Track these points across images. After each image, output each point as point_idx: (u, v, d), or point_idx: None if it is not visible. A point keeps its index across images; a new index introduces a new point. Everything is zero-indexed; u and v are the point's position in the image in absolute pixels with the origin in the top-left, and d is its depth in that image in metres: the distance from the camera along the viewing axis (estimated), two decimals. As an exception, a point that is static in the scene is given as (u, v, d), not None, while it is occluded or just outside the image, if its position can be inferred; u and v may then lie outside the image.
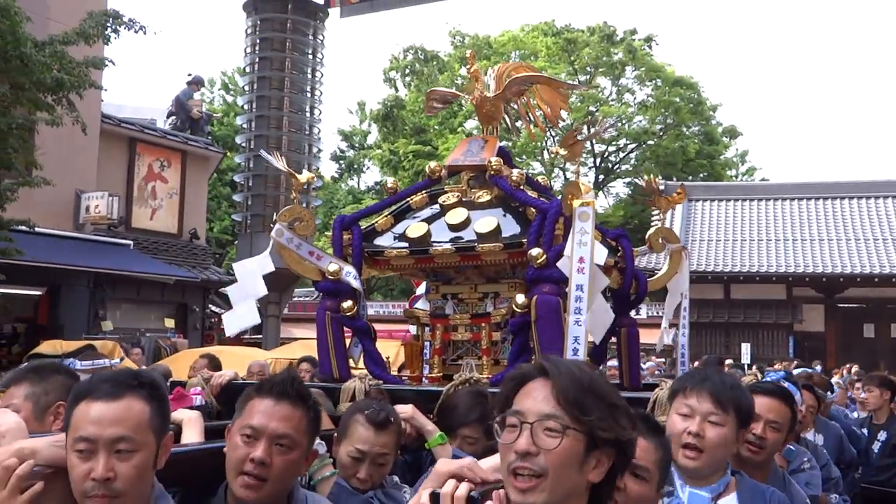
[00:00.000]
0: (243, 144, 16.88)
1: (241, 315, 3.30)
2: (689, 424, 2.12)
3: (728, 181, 31.50)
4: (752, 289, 22.50)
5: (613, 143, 31.31)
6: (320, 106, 16.78)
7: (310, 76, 16.42)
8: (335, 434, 2.35)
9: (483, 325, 3.36)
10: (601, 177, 32.81)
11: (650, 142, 31.37)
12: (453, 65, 32.25)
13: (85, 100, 9.32)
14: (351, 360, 3.38)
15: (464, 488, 1.35)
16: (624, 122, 30.72)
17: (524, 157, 29.65)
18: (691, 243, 22.42)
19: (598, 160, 32.49)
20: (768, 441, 2.54)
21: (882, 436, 5.66)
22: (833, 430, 4.79)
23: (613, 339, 3.58)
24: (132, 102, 19.41)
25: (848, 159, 70.14)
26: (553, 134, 25.09)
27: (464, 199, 3.53)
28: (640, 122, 31.55)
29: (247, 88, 16.96)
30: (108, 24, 9.09)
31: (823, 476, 3.41)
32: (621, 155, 32.77)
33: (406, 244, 3.37)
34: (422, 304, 3.68)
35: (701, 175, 31.52)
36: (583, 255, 2.91)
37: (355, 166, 40.21)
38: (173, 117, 17.52)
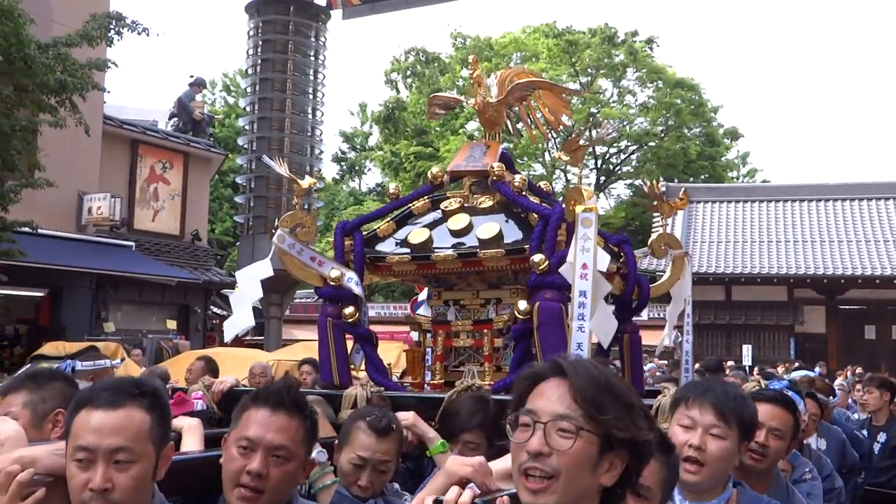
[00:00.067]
0: (245, 146, 16.89)
1: (237, 319, 3.32)
2: (691, 437, 2.07)
3: (729, 183, 31.51)
4: (754, 290, 22.50)
5: (614, 144, 31.28)
6: (322, 108, 16.80)
7: (312, 78, 16.42)
8: (336, 441, 2.34)
9: (485, 331, 3.36)
10: (602, 178, 32.80)
11: (651, 143, 31.35)
12: (454, 66, 32.26)
13: (88, 101, 9.34)
14: (352, 366, 3.39)
15: (467, 495, 1.33)
16: (625, 123, 30.70)
17: (525, 158, 29.64)
18: (692, 245, 22.43)
19: (599, 162, 32.49)
20: (771, 449, 2.50)
21: (882, 437, 5.66)
22: (835, 435, 4.76)
23: (615, 346, 3.58)
24: (134, 104, 19.43)
25: (849, 161, 70.13)
26: (555, 136, 25.08)
27: (466, 205, 3.53)
28: (642, 123, 31.53)
29: (249, 90, 16.97)
30: (111, 26, 9.11)
31: (826, 487, 3.36)
32: (622, 156, 32.75)
33: (408, 250, 3.37)
34: (423, 311, 3.68)
35: (702, 177, 31.50)
36: (586, 261, 2.90)
37: (356, 168, 40.24)
38: (175, 119, 17.55)
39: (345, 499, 2.22)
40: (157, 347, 12.85)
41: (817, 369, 12.43)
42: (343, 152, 40.44)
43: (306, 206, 14.81)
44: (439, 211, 3.55)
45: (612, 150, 32.21)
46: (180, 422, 2.32)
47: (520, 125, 4.06)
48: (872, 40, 74.76)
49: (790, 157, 68.63)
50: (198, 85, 18.61)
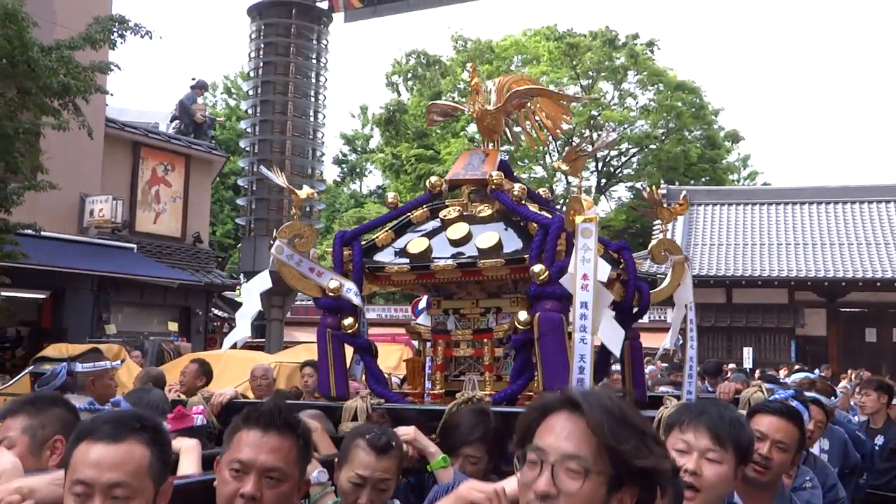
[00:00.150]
0: (247, 149, 16.90)
1: (236, 332, 3.33)
2: (686, 461, 1.99)
3: (730, 185, 31.48)
4: (754, 293, 22.49)
5: (615, 147, 31.26)
6: (323, 110, 16.81)
7: (313, 81, 16.43)
8: (336, 460, 2.33)
9: (485, 340, 3.35)
10: (603, 181, 32.80)
11: (652, 146, 31.34)
12: (455, 69, 32.24)
13: (90, 104, 9.36)
14: (353, 378, 3.39)
15: None
16: (626, 126, 30.70)
17: (526, 161, 29.64)
18: (693, 247, 22.42)
19: (600, 164, 32.48)
20: (774, 462, 2.45)
21: (879, 440, 5.67)
22: (837, 435, 4.75)
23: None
24: (135, 106, 19.45)
25: (850, 164, 70.06)
26: (555, 139, 25.07)
27: (465, 214, 3.52)
28: (642, 126, 31.52)
29: (250, 93, 16.98)
30: (114, 29, 9.13)
31: (831, 498, 3.34)
32: (623, 159, 32.73)
33: (407, 260, 3.36)
34: (423, 320, 3.68)
35: (703, 179, 31.48)
36: (586, 271, 2.87)
37: (357, 170, 40.27)
38: (177, 121, 17.59)
39: None
40: (158, 349, 12.87)
41: (817, 372, 12.41)
42: (344, 155, 40.50)
43: (308, 208, 14.92)
44: (438, 220, 3.54)
45: (613, 153, 32.19)
46: (178, 443, 2.30)
47: (517, 130, 4.05)
48: (873, 43, 74.75)
49: (791, 159, 68.70)
50: (199, 87, 18.64)
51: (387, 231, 3.57)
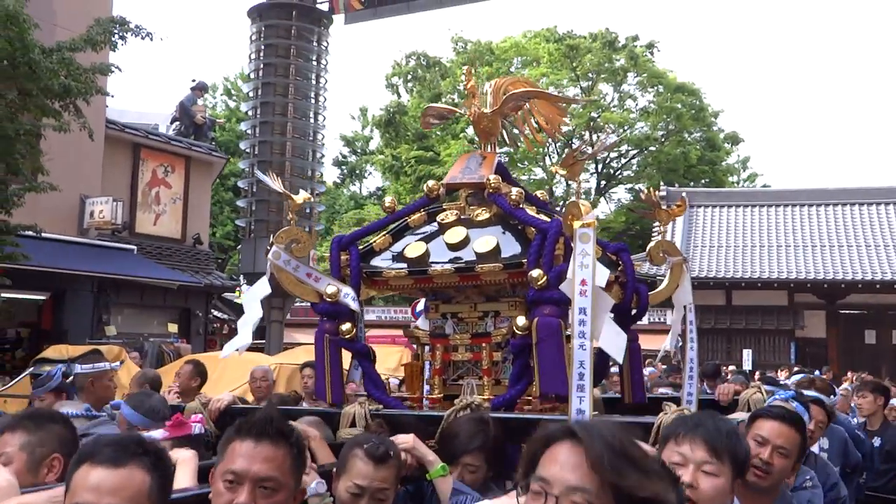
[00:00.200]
0: (247, 150, 16.90)
1: (237, 339, 3.34)
2: (682, 474, 1.96)
3: (730, 187, 31.49)
4: (754, 295, 22.50)
5: (615, 149, 31.27)
6: (324, 112, 16.82)
7: (313, 82, 16.43)
8: (335, 469, 2.32)
9: (483, 344, 3.33)
10: (603, 182, 32.80)
11: (652, 148, 31.34)
12: (455, 71, 32.23)
13: (91, 106, 9.38)
14: (352, 383, 3.38)
15: None
16: (626, 128, 30.71)
17: (526, 162, 29.63)
18: (693, 249, 22.43)
19: (599, 166, 32.48)
20: (775, 467, 2.43)
21: (876, 441, 5.68)
22: (838, 434, 4.75)
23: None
24: (135, 108, 19.43)
25: (849, 166, 70.07)
26: (554, 141, 25.08)
27: (462, 217, 3.50)
28: (642, 128, 31.52)
29: (250, 94, 16.99)
30: (115, 31, 9.14)
31: (832, 497, 3.33)
32: (623, 161, 32.73)
33: (405, 264, 3.34)
34: (421, 324, 3.67)
35: (703, 181, 31.49)
36: (584, 277, 2.82)
37: (357, 172, 40.28)
38: (177, 123, 17.60)
39: None
40: (158, 351, 12.87)
41: (818, 374, 12.41)
42: (344, 156, 40.51)
43: (308, 210, 14.92)
44: (436, 223, 3.52)
45: (613, 155, 32.19)
46: (175, 454, 2.29)
47: (516, 132, 4.05)
48: (872, 45, 74.75)
49: (790, 161, 68.71)
50: (199, 89, 18.65)
51: (384, 235, 3.55)
